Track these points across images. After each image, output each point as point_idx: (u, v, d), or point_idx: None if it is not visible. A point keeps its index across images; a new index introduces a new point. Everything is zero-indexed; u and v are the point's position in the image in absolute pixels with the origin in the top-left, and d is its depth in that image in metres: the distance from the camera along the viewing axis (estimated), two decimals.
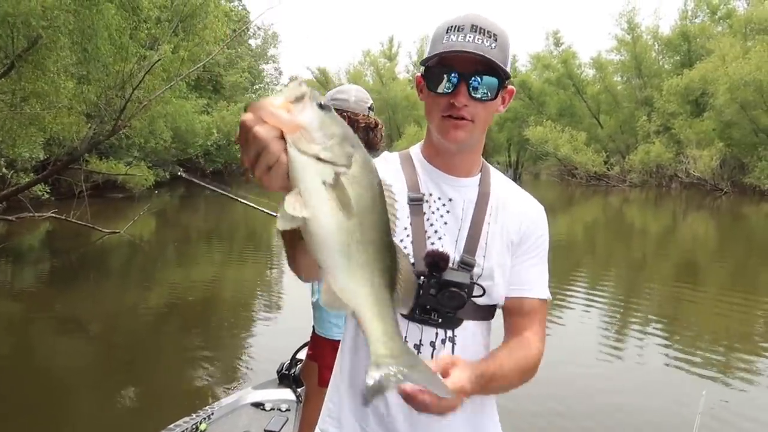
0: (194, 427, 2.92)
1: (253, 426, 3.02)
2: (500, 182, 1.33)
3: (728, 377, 5.38)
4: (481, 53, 1.12)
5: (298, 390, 3.19)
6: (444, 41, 1.15)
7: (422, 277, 1.16)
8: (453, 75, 1.14)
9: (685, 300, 8.60)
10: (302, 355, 3.04)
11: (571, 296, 8.48)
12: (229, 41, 14.65)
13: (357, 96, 2.46)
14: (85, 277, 10.29)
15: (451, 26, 1.16)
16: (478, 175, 1.29)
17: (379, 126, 2.50)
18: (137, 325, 6.89)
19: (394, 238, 0.82)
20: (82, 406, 4.78)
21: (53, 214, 12.17)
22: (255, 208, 4.46)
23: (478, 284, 1.19)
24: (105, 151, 22.10)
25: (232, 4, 39.77)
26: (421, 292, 1.16)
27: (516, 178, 51.34)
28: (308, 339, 2.73)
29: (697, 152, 30.73)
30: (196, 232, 16.37)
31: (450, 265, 1.17)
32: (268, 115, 0.71)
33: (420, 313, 1.19)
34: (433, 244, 1.21)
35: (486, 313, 1.26)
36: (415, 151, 1.33)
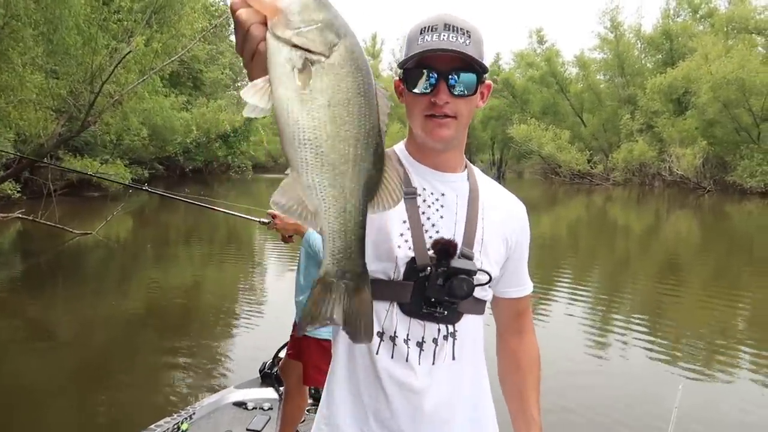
0: (176, 426, 2.89)
1: (236, 425, 3.02)
2: (484, 180, 1.34)
3: (707, 371, 5.42)
4: (457, 50, 1.12)
5: (281, 389, 3.17)
6: (419, 42, 1.15)
7: (429, 268, 1.16)
8: (431, 74, 1.14)
9: (667, 296, 8.56)
10: (284, 353, 3.05)
11: (555, 294, 8.47)
12: (205, 33, 14.15)
13: None
14: (57, 280, 9.86)
15: (425, 27, 1.16)
16: (465, 171, 1.29)
17: None
18: (113, 329, 6.58)
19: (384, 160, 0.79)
20: (57, 413, 4.52)
21: (20, 215, 11.66)
22: (230, 214, 4.32)
23: (483, 270, 1.19)
24: (80, 148, 21.52)
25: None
26: (428, 283, 1.16)
27: (500, 177, 51.44)
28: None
29: (680, 151, 30.87)
30: (175, 231, 15.93)
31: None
32: None
33: (426, 307, 1.17)
34: (431, 237, 1.19)
35: (482, 307, 1.27)
36: (400, 148, 1.31)
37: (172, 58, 12.16)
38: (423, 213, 1.21)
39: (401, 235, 1.18)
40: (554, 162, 40.28)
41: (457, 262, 1.16)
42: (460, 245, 1.19)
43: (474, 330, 1.25)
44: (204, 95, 38.83)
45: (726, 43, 32.22)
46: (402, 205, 1.13)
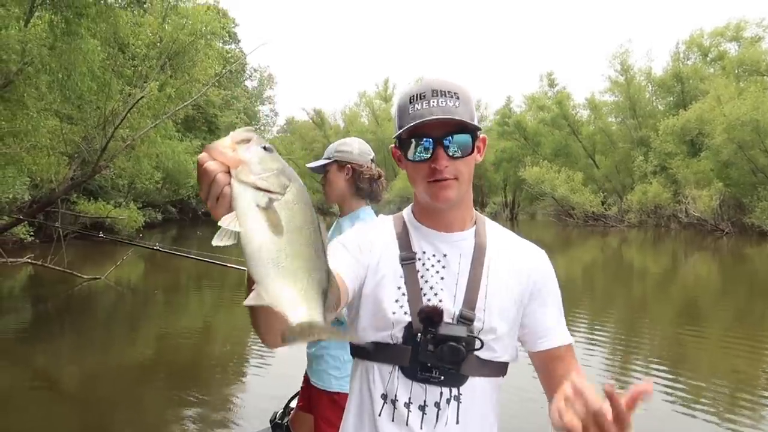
0: None
1: None
2: (496, 232, 1.33)
3: (727, 420, 5.13)
4: (449, 116, 1.16)
5: None
6: (410, 112, 1.19)
7: (419, 334, 1.17)
8: (427, 141, 1.18)
9: (687, 342, 8.25)
10: (295, 404, 3.03)
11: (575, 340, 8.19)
12: (216, 80, 14.35)
13: (360, 148, 2.56)
14: (65, 326, 9.73)
15: (413, 96, 1.19)
16: (473, 228, 1.30)
17: (382, 177, 2.60)
18: (120, 379, 6.41)
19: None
20: None
21: (29, 260, 11.62)
22: (237, 269, 4.71)
23: (476, 337, 1.17)
24: (94, 191, 21.73)
25: (228, 46, 40.13)
26: (420, 349, 1.17)
27: (512, 218, 51.21)
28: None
29: (696, 192, 30.52)
30: (186, 276, 15.80)
31: (448, 319, 1.18)
32: (218, 153, 0.83)
33: (421, 372, 1.18)
34: (429, 300, 1.20)
35: (493, 369, 1.23)
36: (407, 212, 1.36)
37: (185, 103, 12.28)
38: (422, 277, 1.23)
39: (396, 301, 1.21)
40: (568, 204, 40.01)
41: (445, 329, 1.16)
42: (459, 307, 1.19)
43: (482, 393, 1.22)
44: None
45: (738, 86, 32.20)
46: (399, 272, 1.24)
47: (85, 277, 12.15)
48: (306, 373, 2.69)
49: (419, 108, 1.18)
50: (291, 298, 0.84)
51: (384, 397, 1.20)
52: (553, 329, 1.30)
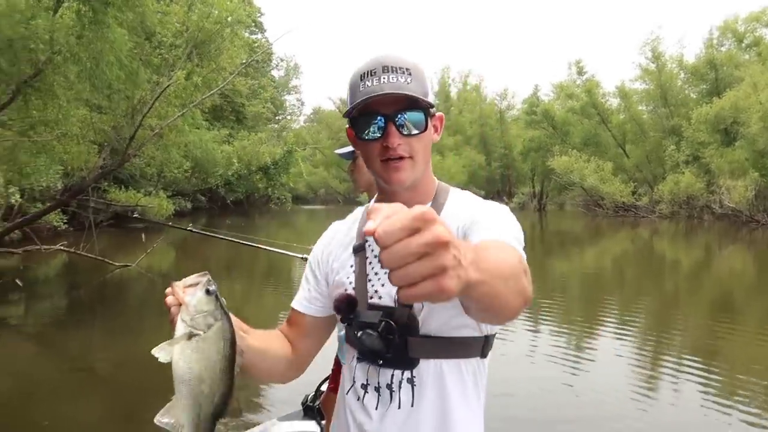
0: None
1: None
2: (457, 204, 1.26)
3: (761, 415, 4.98)
4: (399, 91, 1.12)
5: (322, 422, 3.24)
6: (361, 89, 1.16)
7: (345, 324, 1.20)
8: (378, 119, 1.15)
9: (721, 335, 8.00)
10: (326, 386, 3.10)
11: (601, 330, 8.12)
12: (242, 68, 14.39)
13: None
14: (97, 312, 9.94)
15: (364, 73, 1.16)
16: (429, 203, 1.24)
17: None
18: (151, 363, 6.38)
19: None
20: None
21: (62, 247, 11.86)
22: (271, 250, 4.73)
23: (387, 321, 1.12)
24: (125, 180, 22.10)
25: (254, 36, 40.29)
26: (353, 334, 1.19)
27: (540, 209, 50.63)
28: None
29: (731, 182, 29.69)
30: (215, 264, 16.00)
31: (390, 303, 1.16)
32: (176, 291, 1.06)
33: (364, 357, 1.20)
34: (373, 286, 1.20)
35: (451, 350, 1.17)
36: (374, 199, 1.36)
37: (212, 92, 12.34)
38: (369, 263, 1.23)
39: (345, 289, 1.24)
40: (597, 194, 39.35)
41: (363, 316, 1.16)
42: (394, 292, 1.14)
43: (441, 376, 1.17)
44: (246, 128, 39.67)
45: None
46: (351, 261, 1.26)
47: (117, 264, 12.37)
48: (336, 356, 2.72)
49: (370, 85, 1.14)
50: (185, 414, 1.06)
51: (351, 378, 1.25)
52: (484, 232, 1.10)
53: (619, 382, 5.86)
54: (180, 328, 1.04)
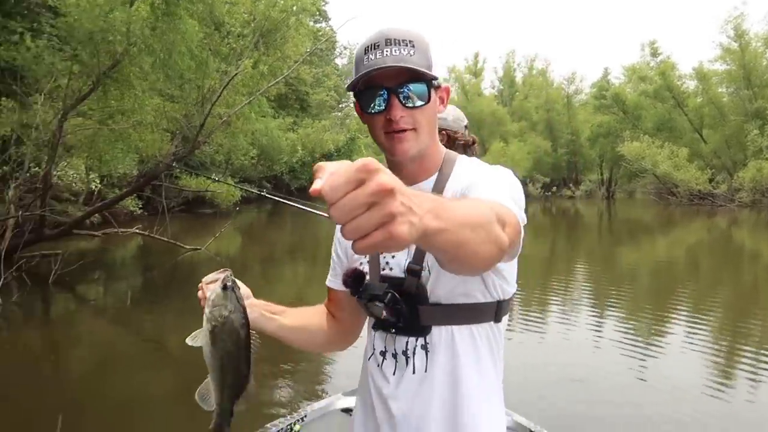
0: (289, 427, 3.17)
1: (343, 430, 3.16)
2: (466, 170, 1.27)
3: None
4: (402, 63, 1.13)
5: None
6: (365, 62, 1.16)
7: (356, 297, 1.26)
8: (381, 92, 1.16)
9: None
10: None
11: (672, 321, 7.83)
12: (307, 55, 14.56)
13: (454, 115, 2.59)
14: (170, 293, 10.42)
15: (368, 46, 1.17)
16: (434, 177, 1.26)
17: (476, 143, 2.64)
18: None
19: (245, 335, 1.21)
20: (168, 418, 4.76)
21: (137, 231, 12.48)
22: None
23: (392, 292, 1.19)
24: (195, 167, 22.97)
25: (319, 24, 40.69)
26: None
27: (609, 197, 48.90)
28: None
29: None
30: (280, 248, 16.42)
31: (400, 273, 1.23)
32: (203, 287, 1.26)
33: (379, 326, 1.29)
34: (384, 258, 1.26)
35: (463, 316, 1.22)
36: None
37: (277, 80, 12.57)
38: None
39: (360, 264, 1.32)
40: (670, 181, 37.56)
41: (370, 288, 1.23)
42: (407, 261, 1.22)
43: (454, 342, 1.22)
44: (310, 116, 40.29)
45: None
46: None
47: (188, 247, 12.88)
48: None
49: (373, 58, 1.15)
50: (213, 391, 1.23)
51: (372, 345, 1.32)
52: (477, 193, 1.12)
53: (691, 376, 5.63)
54: (204, 319, 1.19)
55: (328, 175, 0.65)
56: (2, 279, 8.30)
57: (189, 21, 9.64)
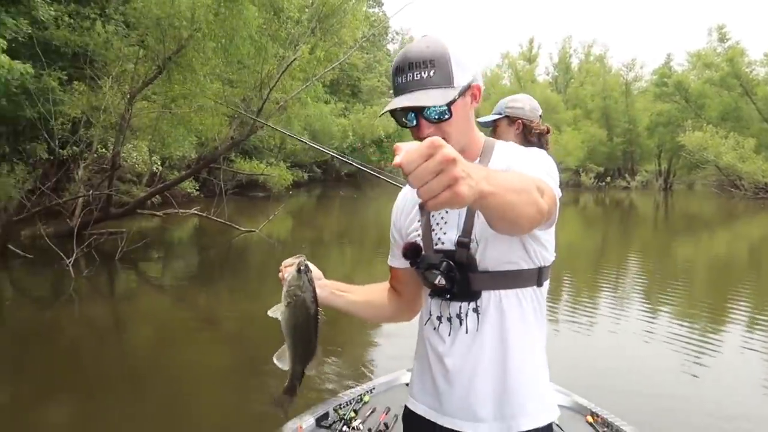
0: (359, 397, 3.48)
1: (406, 402, 3.35)
2: (504, 154, 1.43)
3: None
4: (422, 89, 1.29)
5: None
6: (395, 85, 1.35)
7: (415, 267, 1.43)
8: (410, 114, 1.34)
9: None
10: None
11: (729, 320, 7.62)
12: (364, 41, 14.64)
13: (531, 105, 2.70)
14: (224, 273, 10.78)
15: (396, 68, 1.34)
16: (476, 161, 1.41)
17: (550, 132, 2.74)
18: (270, 322, 6.80)
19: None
20: (220, 389, 5.00)
21: (195, 212, 12.93)
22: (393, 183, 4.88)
23: (447, 261, 1.35)
24: (249, 151, 23.46)
25: (372, 10, 40.65)
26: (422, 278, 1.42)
27: (666, 188, 47.20)
28: None
29: None
30: (329, 232, 16.70)
31: (451, 246, 1.38)
32: (283, 269, 1.47)
33: (433, 294, 1.45)
34: (437, 234, 1.42)
35: (510, 280, 1.38)
36: None
37: (333, 65, 12.67)
38: (432, 217, 1.44)
39: (415, 240, 1.47)
40: (734, 173, 35.91)
41: (428, 259, 1.39)
42: (457, 236, 1.38)
43: (502, 304, 1.38)
44: (361, 102, 40.43)
45: None
46: (418, 215, 1.47)
47: (242, 229, 13.26)
48: None
49: (400, 81, 1.32)
50: (288, 355, 1.43)
51: (428, 312, 1.48)
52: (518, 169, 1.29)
53: (747, 375, 5.48)
54: (282, 296, 1.40)
55: (405, 152, 0.85)
56: (74, 255, 8.80)
57: (250, 7, 9.85)
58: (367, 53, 39.82)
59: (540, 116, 2.73)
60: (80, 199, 11.09)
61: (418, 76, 1.30)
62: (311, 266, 1.46)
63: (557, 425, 3.21)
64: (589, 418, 3.32)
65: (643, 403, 4.67)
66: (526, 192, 1.07)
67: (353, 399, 3.44)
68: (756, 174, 34.12)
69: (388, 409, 3.30)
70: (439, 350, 1.44)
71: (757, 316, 7.90)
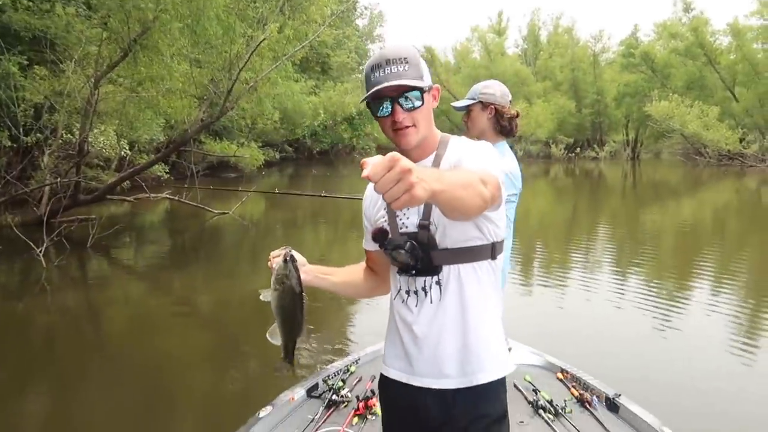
0: (346, 368, 3.70)
1: None
2: (456, 148, 1.62)
3: None
4: (399, 81, 1.49)
5: None
6: (372, 80, 1.53)
7: (383, 249, 1.61)
8: (386, 102, 1.53)
9: None
10: None
11: (695, 284, 7.92)
12: (333, 19, 14.46)
13: (501, 91, 2.89)
14: (198, 256, 10.72)
15: (373, 66, 1.53)
16: (432, 155, 1.62)
17: (519, 116, 2.92)
18: (247, 302, 6.87)
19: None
20: (198, 371, 5.00)
21: (167, 195, 12.76)
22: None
23: (411, 241, 1.54)
24: (219, 132, 23.10)
25: None
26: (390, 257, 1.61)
27: (633, 158, 48.04)
28: None
29: None
30: (302, 213, 16.65)
31: (413, 228, 1.58)
32: (271, 258, 1.64)
33: (401, 271, 1.63)
34: (401, 219, 1.61)
35: (467, 255, 1.57)
36: None
37: (303, 44, 12.51)
38: None
39: (383, 225, 1.67)
40: (699, 142, 36.70)
41: (394, 240, 1.57)
42: (419, 219, 1.57)
43: (461, 276, 1.57)
44: (331, 79, 39.97)
45: None
46: (385, 204, 1.65)
47: (215, 211, 13.14)
48: None
49: (377, 76, 1.51)
50: (278, 333, 1.64)
51: (397, 287, 1.67)
52: (466, 165, 1.51)
53: (714, 336, 5.72)
54: (271, 282, 1.59)
55: (371, 166, 1.05)
56: (45, 244, 8.65)
57: None
58: (336, 29, 39.26)
59: (510, 101, 2.91)
60: (47, 187, 10.85)
61: (395, 69, 1.50)
62: (297, 255, 1.64)
63: (530, 382, 3.47)
64: (560, 375, 3.63)
65: (614, 363, 4.88)
66: (471, 186, 1.28)
67: (340, 370, 3.67)
68: (720, 142, 34.97)
69: (374, 377, 3.44)
70: (407, 320, 1.63)
71: (722, 278, 8.21)
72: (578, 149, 49.01)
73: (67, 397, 4.63)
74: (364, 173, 1.05)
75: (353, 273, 1.89)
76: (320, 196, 12.03)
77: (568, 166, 40.65)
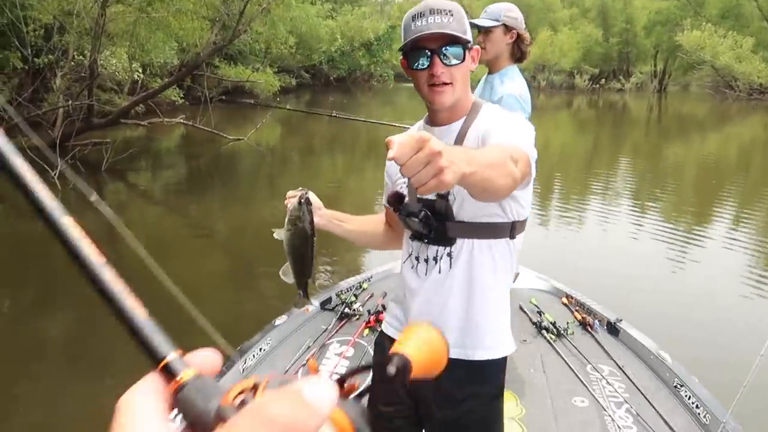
0: (359, 284, 3.85)
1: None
2: (487, 116, 1.54)
3: None
4: (443, 30, 1.41)
5: None
6: (413, 28, 1.44)
7: (398, 214, 1.53)
8: (426, 52, 1.44)
9: None
10: None
11: (714, 219, 7.86)
12: None
13: (521, 16, 2.85)
14: (214, 182, 10.75)
15: (415, 14, 1.44)
16: (462, 119, 1.54)
17: (531, 43, 2.97)
18: (262, 228, 6.94)
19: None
20: (214, 293, 5.10)
21: (181, 120, 12.63)
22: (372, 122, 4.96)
23: (425, 210, 1.46)
24: (233, 56, 22.63)
25: None
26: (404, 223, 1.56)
27: (660, 90, 46.50)
28: None
29: None
30: (319, 139, 16.52)
31: (432, 196, 1.48)
32: (287, 198, 1.56)
33: (413, 237, 1.59)
34: None
35: (483, 231, 1.51)
36: (421, 121, 1.70)
37: None
38: None
39: (401, 188, 1.62)
40: (730, 74, 35.26)
41: (409, 207, 1.49)
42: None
43: (480, 252, 1.52)
44: (348, 2, 38.65)
45: None
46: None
47: (230, 137, 13.05)
48: None
49: (419, 24, 1.42)
50: (291, 272, 1.63)
51: (408, 251, 1.65)
52: (495, 138, 1.41)
53: (731, 269, 5.69)
54: (285, 221, 1.58)
55: (398, 146, 0.95)
56: (59, 166, 8.67)
57: None
58: None
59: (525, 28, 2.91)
60: (60, 110, 10.78)
61: (440, 20, 1.42)
62: (313, 197, 1.61)
63: (535, 305, 3.60)
64: (564, 300, 3.76)
65: (622, 293, 4.90)
66: (501, 166, 1.20)
67: (353, 286, 3.85)
68: (752, 74, 33.56)
69: (385, 294, 3.70)
70: (413, 286, 1.62)
71: (742, 215, 8.06)
72: (603, 80, 47.49)
73: (90, 313, 4.75)
74: (390, 154, 0.96)
75: (368, 223, 1.87)
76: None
77: (591, 98, 39.53)
